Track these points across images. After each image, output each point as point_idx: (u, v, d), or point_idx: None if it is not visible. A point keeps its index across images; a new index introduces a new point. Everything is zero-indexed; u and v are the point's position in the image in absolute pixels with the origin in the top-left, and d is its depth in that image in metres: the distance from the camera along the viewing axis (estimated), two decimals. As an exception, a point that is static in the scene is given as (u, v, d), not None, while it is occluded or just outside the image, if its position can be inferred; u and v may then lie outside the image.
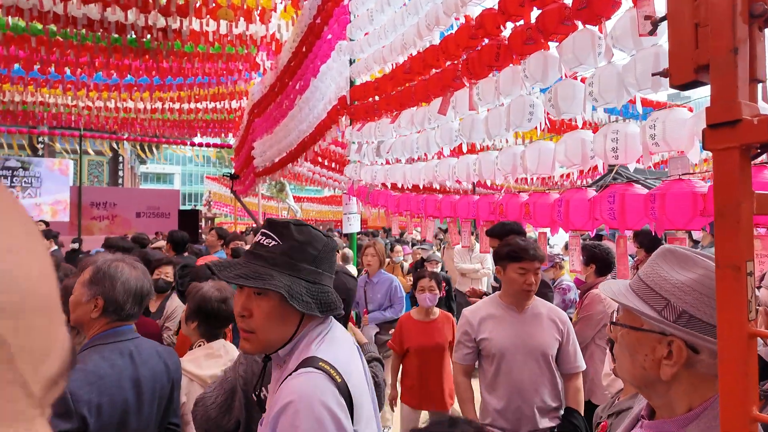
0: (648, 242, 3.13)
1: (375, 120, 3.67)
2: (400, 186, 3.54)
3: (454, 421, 0.87)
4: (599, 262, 2.84)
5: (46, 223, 9.97)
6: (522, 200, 2.55)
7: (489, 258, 5.41)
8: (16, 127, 13.66)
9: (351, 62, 4.35)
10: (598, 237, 5.56)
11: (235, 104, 11.51)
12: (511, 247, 2.12)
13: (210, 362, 1.74)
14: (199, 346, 1.86)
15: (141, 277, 1.33)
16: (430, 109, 2.90)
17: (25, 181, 15.08)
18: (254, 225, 10.75)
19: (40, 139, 15.64)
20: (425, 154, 3.07)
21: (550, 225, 2.46)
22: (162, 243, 5.28)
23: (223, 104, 11.32)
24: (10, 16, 6.22)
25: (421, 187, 3.49)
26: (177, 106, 11.25)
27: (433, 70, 3.11)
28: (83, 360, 1.24)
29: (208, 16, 6.53)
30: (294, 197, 25.97)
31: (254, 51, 7.97)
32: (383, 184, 3.75)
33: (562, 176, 9.55)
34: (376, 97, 3.80)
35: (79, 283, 1.38)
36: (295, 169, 8.99)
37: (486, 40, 2.64)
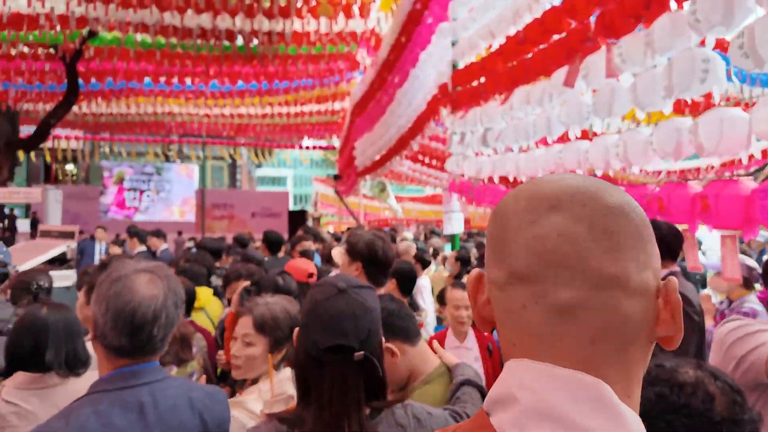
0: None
1: (481, 105, 3.18)
2: (511, 179, 3.01)
3: None
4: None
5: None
6: (687, 192, 1.92)
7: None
8: (152, 136, 15.44)
9: (453, 44, 3.91)
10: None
11: (338, 106, 11.68)
12: None
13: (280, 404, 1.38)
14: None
15: (150, 297, 0.93)
16: (552, 83, 2.34)
17: (158, 185, 17.01)
18: (356, 225, 10.78)
19: (171, 146, 17.56)
20: (544, 139, 2.53)
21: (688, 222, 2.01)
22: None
23: (326, 106, 11.54)
24: (138, 33, 6.83)
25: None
26: (285, 110, 11.73)
27: (555, 36, 2.55)
28: (66, 417, 0.88)
29: (309, 15, 6.53)
30: (395, 197, 26.10)
31: (354, 48, 7.88)
32: (490, 178, 3.24)
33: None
34: (482, 79, 3.31)
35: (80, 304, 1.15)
36: (394, 167, 8.75)
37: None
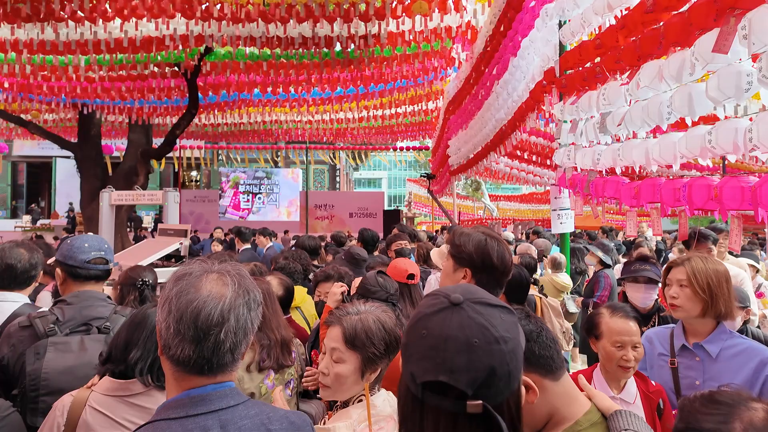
0: None
1: (596, 88, 2.83)
2: (637, 169, 2.61)
3: None
4: None
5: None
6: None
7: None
8: (262, 143, 16.68)
9: (560, 25, 3.57)
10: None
11: (431, 105, 11.56)
12: None
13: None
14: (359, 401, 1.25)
15: (216, 296, 0.80)
16: (697, 50, 1.95)
17: (268, 188, 18.37)
18: (450, 224, 10.57)
19: (278, 152, 18.85)
20: (681, 120, 2.15)
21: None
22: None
23: (420, 106, 11.48)
24: (247, 47, 7.36)
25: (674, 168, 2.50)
26: (380, 113, 11.91)
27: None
28: None
29: (404, 15, 6.50)
30: (489, 196, 25.23)
31: (449, 44, 7.70)
32: (610, 170, 2.85)
33: None
34: (598, 59, 2.96)
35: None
36: (490, 164, 8.39)
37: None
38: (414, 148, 18.70)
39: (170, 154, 16.91)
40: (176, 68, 8.12)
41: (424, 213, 26.99)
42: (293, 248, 5.25)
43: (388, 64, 8.18)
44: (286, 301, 2.25)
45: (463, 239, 1.44)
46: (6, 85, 8.67)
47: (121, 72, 8.18)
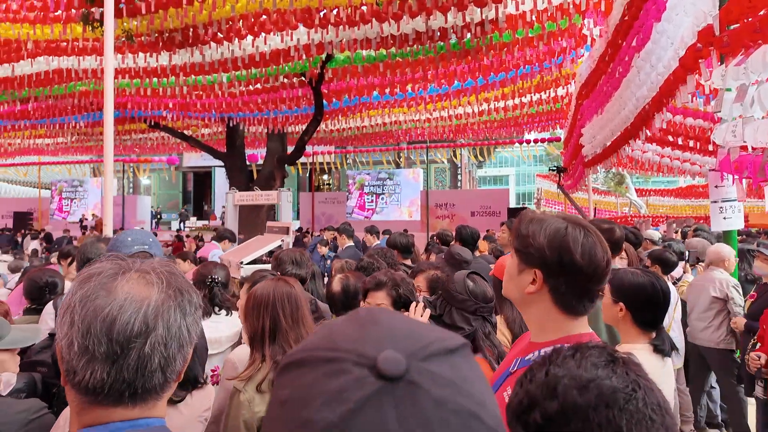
0: None
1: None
2: None
3: None
4: None
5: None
6: None
7: None
8: (384, 145, 17.13)
9: (721, -30, 2.85)
10: None
11: (561, 91, 10.56)
12: None
13: None
14: None
15: (137, 299, 0.61)
16: None
17: (391, 189, 18.80)
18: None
19: (400, 153, 19.17)
20: None
21: None
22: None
23: (548, 93, 10.57)
24: (363, 50, 7.50)
25: None
26: (502, 104, 11.27)
27: None
28: None
29: (523, -7, 5.98)
30: (636, 190, 22.33)
31: (579, 21, 6.90)
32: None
33: None
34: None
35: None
36: (634, 153, 7.32)
37: None
38: (543, 140, 17.40)
39: (304, 160, 18.35)
40: (302, 78, 8.66)
41: (555, 210, 25.10)
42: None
43: (509, 50, 7.65)
44: (346, 302, 2.09)
45: (533, 227, 1.02)
46: (170, 105, 10.18)
47: (257, 86, 9.01)
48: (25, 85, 8.95)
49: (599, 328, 1.95)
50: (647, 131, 5.17)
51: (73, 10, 6.18)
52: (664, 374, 1.57)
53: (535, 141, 17.07)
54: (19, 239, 14.64)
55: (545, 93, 10.40)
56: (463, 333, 1.55)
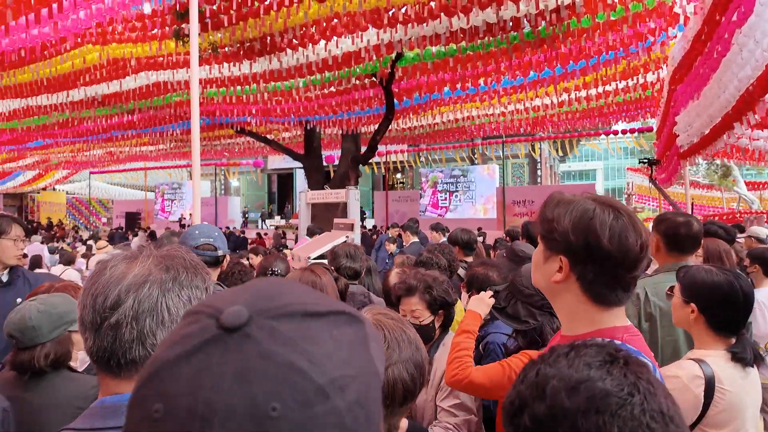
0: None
1: None
2: None
3: None
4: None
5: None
6: None
7: None
8: (458, 141, 16.84)
9: None
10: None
11: (651, 77, 9.68)
12: None
13: None
14: None
15: (118, 276, 0.68)
16: None
17: (464, 186, 18.45)
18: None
19: (475, 149, 18.75)
20: None
21: None
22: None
23: (635, 80, 9.75)
24: (433, 46, 7.43)
25: None
26: (584, 94, 10.58)
27: None
28: None
29: (603, -27, 5.57)
30: (747, 183, 19.82)
31: (669, -2, 6.29)
32: None
33: None
34: None
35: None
36: (739, 141, 6.53)
37: None
38: (633, 131, 16.08)
39: (378, 159, 18.64)
40: (373, 78, 8.79)
41: (650, 207, 23.10)
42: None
43: (589, 36, 7.16)
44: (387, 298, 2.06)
45: (559, 210, 0.94)
46: (253, 111, 10.85)
47: (330, 89, 9.30)
48: (131, 98, 10.05)
49: (677, 330, 1.77)
50: (753, 116, 4.58)
51: (167, 28, 6.81)
52: (745, 386, 1.38)
53: (624, 132, 15.82)
54: (130, 237, 16.50)
55: (632, 79, 9.60)
56: (527, 326, 1.52)
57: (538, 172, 21.19)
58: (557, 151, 17.74)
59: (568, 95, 10.57)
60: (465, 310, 1.78)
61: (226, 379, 0.33)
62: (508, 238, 4.20)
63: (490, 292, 1.76)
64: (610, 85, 9.94)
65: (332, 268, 2.14)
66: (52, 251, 9.52)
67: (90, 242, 10.80)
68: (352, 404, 0.35)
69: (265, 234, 14.74)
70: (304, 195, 6.42)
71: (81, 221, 29.66)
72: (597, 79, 9.52)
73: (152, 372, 0.35)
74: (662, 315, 1.84)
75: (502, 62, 8.14)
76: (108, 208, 30.55)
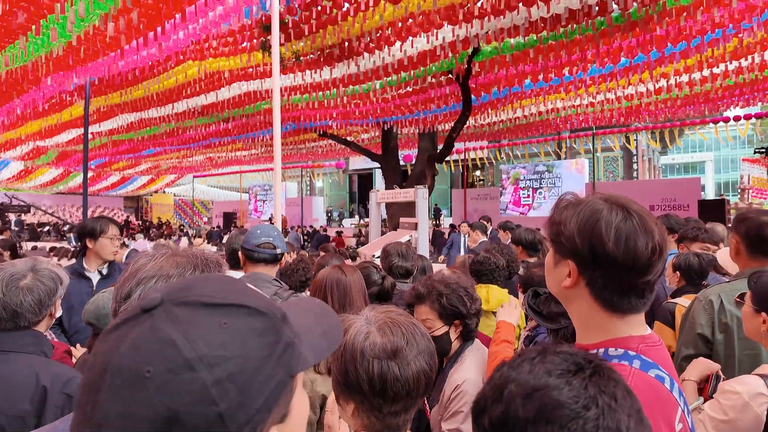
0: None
1: None
2: None
3: None
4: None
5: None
6: None
7: None
8: (542, 135, 16.05)
9: None
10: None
11: (769, 55, 8.50)
12: None
13: None
14: None
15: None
16: None
17: (549, 182, 17.53)
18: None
19: (561, 143, 17.74)
20: None
21: None
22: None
23: (750, 60, 8.62)
24: (512, 38, 7.18)
25: None
26: (686, 78, 9.57)
27: None
28: None
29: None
30: None
31: (791, -38, 5.48)
32: None
33: None
34: None
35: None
36: None
37: None
38: (749, 117, 14.22)
39: (456, 157, 18.38)
40: (450, 75, 8.71)
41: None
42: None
43: (689, 14, 6.47)
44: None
45: (567, 213, 0.89)
46: (334, 115, 11.27)
47: (407, 89, 9.37)
48: (225, 107, 10.93)
49: (758, 344, 1.56)
50: None
51: (254, 40, 7.32)
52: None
53: (737, 119, 14.03)
54: (224, 236, 18.01)
55: (746, 59, 8.50)
56: (558, 326, 1.46)
57: (634, 166, 19.51)
58: (657, 142, 16.22)
59: (667, 81, 9.63)
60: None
61: (125, 345, 0.43)
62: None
63: (516, 300, 1.69)
64: (717, 67, 8.89)
65: (380, 267, 2.16)
66: (155, 248, 10.72)
67: (188, 239, 11.95)
68: (222, 380, 0.41)
69: (342, 234, 15.27)
70: (374, 195, 6.56)
71: (186, 220, 32.84)
72: (701, 61, 8.56)
73: (99, 337, 0.47)
74: (740, 326, 1.63)
75: (589, 50, 7.64)
76: (209, 209, 33.51)
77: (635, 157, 19.41)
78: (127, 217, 28.19)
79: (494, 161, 20.39)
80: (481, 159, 18.72)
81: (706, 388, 1.38)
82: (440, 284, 1.63)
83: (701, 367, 1.42)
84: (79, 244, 2.66)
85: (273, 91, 4.40)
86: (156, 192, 32.31)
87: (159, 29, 4.84)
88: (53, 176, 24.72)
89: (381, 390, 0.90)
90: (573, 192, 1.04)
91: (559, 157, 18.76)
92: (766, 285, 1.34)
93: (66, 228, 20.45)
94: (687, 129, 15.60)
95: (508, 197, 18.28)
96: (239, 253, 2.18)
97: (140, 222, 28.25)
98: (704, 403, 1.34)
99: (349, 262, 2.84)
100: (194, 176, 29.89)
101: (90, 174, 25.84)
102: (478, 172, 24.59)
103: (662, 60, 8.32)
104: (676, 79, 9.57)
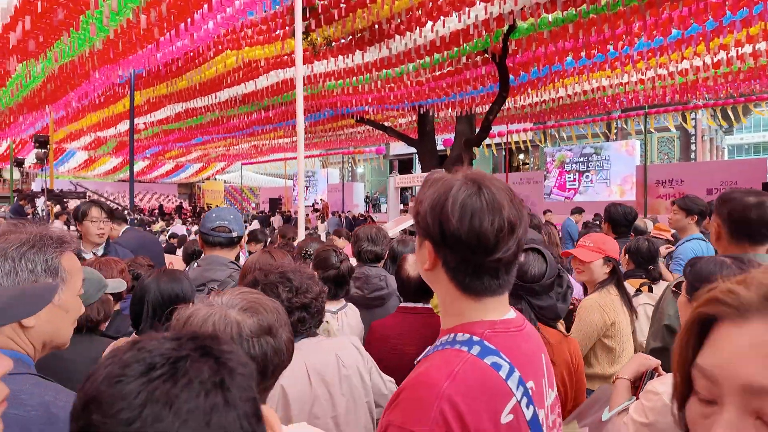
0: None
1: None
2: None
3: None
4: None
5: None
6: None
7: None
8: (590, 116, 15.26)
9: None
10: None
11: None
12: None
13: None
14: None
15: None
16: None
17: (597, 165, 16.69)
18: None
19: (610, 124, 16.79)
20: None
21: None
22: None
23: (825, 25, 7.73)
24: (549, 14, 6.82)
25: None
26: (749, 49, 8.76)
27: None
28: None
29: None
30: None
31: None
32: None
33: None
34: None
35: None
36: None
37: None
38: (828, 91, 12.85)
39: (499, 140, 17.87)
40: (485, 55, 8.43)
41: None
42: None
43: (750, -24, 5.89)
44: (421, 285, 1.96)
45: (427, 192, 0.85)
46: (369, 100, 11.24)
47: (441, 70, 9.18)
48: (265, 96, 11.17)
49: None
50: None
51: (287, 28, 7.39)
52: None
53: (812, 92, 12.71)
54: (272, 220, 18.57)
55: (821, 24, 7.63)
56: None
57: (692, 147, 18.19)
58: (716, 121, 15.02)
59: (727, 53, 8.85)
60: None
61: None
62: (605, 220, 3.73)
63: None
64: (786, 34, 8.06)
65: (340, 250, 2.08)
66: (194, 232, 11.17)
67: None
68: None
69: (368, 220, 15.33)
70: (392, 179, 6.51)
71: (235, 206, 34.14)
72: (767, 29, 7.78)
73: None
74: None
75: (635, 23, 7.14)
76: (257, 195, 34.63)
77: (694, 138, 18.08)
78: (180, 203, 29.65)
79: (539, 144, 19.65)
80: (524, 142, 18.10)
81: (640, 386, 1.24)
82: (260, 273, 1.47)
83: (635, 363, 1.30)
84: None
85: (296, 79, 4.44)
86: (207, 179, 33.73)
87: (189, 20, 4.99)
88: (114, 165, 26.37)
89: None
90: (440, 170, 0.99)
91: (608, 139, 17.79)
92: (700, 273, 1.22)
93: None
94: (753, 106, 14.33)
95: (552, 181, 17.60)
96: (198, 236, 2.21)
97: (192, 207, 29.65)
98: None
99: (348, 248, 2.83)
100: (242, 164, 30.90)
101: (147, 162, 27.34)
102: (522, 156, 23.80)
103: (720, 30, 7.64)
104: (737, 50, 8.79)
